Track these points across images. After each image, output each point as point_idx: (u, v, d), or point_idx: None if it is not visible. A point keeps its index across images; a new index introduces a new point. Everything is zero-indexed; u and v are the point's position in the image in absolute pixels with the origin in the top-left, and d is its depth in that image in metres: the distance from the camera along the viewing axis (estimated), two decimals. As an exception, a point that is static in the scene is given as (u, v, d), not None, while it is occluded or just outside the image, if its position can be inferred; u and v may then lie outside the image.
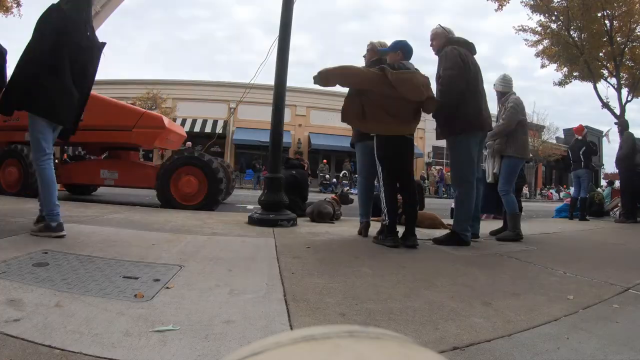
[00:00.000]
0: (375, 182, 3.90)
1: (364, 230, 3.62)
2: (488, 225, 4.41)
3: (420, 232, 3.64)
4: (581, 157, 6.86)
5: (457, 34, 3.52)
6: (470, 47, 3.42)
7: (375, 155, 3.21)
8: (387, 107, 3.04)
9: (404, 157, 3.25)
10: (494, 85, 4.23)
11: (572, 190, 7.30)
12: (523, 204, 5.14)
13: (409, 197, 3.26)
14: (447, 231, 3.53)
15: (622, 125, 7.33)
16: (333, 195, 5.54)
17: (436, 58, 3.44)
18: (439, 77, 3.34)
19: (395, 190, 3.22)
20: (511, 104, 3.93)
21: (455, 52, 3.23)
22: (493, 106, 3.77)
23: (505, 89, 4.11)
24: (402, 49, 3.23)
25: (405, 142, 3.21)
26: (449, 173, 22.18)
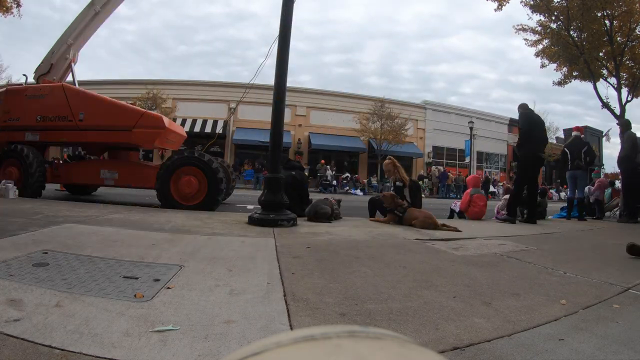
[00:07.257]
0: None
1: None
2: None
3: (421, 232, 3.64)
4: (582, 155, 6.85)
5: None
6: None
7: None
8: None
9: None
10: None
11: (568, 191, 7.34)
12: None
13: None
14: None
15: (624, 125, 7.34)
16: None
17: None
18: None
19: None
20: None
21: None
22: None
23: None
24: None
25: None
26: (449, 173, 22.25)
